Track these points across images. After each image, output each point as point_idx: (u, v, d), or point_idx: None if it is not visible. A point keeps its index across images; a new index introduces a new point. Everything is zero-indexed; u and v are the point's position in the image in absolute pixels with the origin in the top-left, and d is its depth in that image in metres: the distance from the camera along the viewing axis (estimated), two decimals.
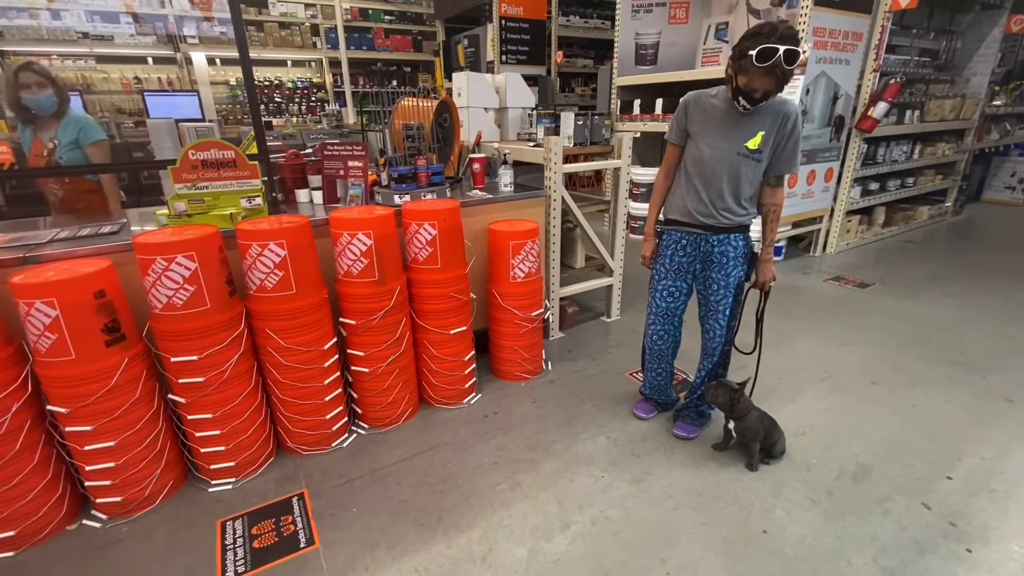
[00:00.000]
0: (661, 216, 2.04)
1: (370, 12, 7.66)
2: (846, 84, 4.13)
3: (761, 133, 1.74)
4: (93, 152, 2.64)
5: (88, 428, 1.64)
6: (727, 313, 1.97)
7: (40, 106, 2.53)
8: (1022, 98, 6.38)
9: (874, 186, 5.06)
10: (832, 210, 4.67)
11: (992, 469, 1.97)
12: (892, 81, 4.19)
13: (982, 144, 6.06)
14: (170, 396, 1.83)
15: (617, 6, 4.85)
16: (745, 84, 1.62)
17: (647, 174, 5.02)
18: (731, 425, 1.98)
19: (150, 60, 6.49)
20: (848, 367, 2.74)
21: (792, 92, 3.62)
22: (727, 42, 4.47)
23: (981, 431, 2.20)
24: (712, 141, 1.80)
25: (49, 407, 1.64)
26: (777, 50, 1.51)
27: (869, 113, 4.24)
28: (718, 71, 4.28)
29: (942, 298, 3.66)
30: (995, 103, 5.95)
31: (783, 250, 4.59)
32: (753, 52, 1.53)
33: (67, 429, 1.65)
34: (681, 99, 1.87)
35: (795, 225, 4.47)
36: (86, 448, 1.67)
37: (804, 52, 3.51)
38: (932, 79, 5.30)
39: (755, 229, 1.90)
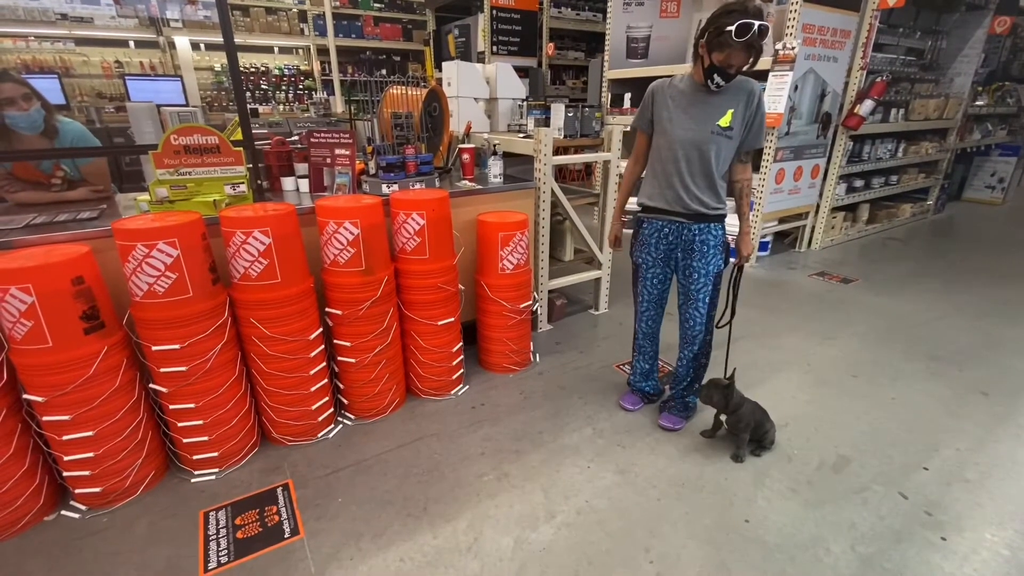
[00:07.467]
0: (637, 204, 2.07)
1: None
2: (833, 81, 4.17)
3: (731, 111, 1.83)
4: (89, 171, 2.34)
5: (66, 417, 1.60)
6: (706, 302, 2.02)
7: (31, 124, 2.12)
8: (1003, 99, 6.51)
9: (859, 183, 5.13)
10: (818, 206, 4.73)
11: (967, 460, 2.03)
12: (878, 79, 4.23)
13: (964, 144, 6.16)
14: (151, 385, 1.79)
15: None
16: (722, 61, 1.68)
17: None
18: (723, 417, 2.01)
19: (132, 44, 6.32)
20: (830, 360, 2.78)
21: (780, 89, 3.65)
22: None
23: (956, 423, 2.26)
24: (684, 124, 1.87)
25: (25, 396, 1.60)
26: (753, 25, 1.60)
27: (855, 111, 4.29)
28: None
29: (921, 294, 3.73)
30: (977, 103, 6.05)
31: (769, 245, 4.64)
32: (732, 28, 1.60)
33: (44, 418, 1.61)
34: (648, 88, 1.98)
35: (781, 221, 4.52)
36: (64, 438, 1.64)
37: (793, 49, 3.54)
38: (917, 78, 5.37)
39: (731, 222, 1.94)
